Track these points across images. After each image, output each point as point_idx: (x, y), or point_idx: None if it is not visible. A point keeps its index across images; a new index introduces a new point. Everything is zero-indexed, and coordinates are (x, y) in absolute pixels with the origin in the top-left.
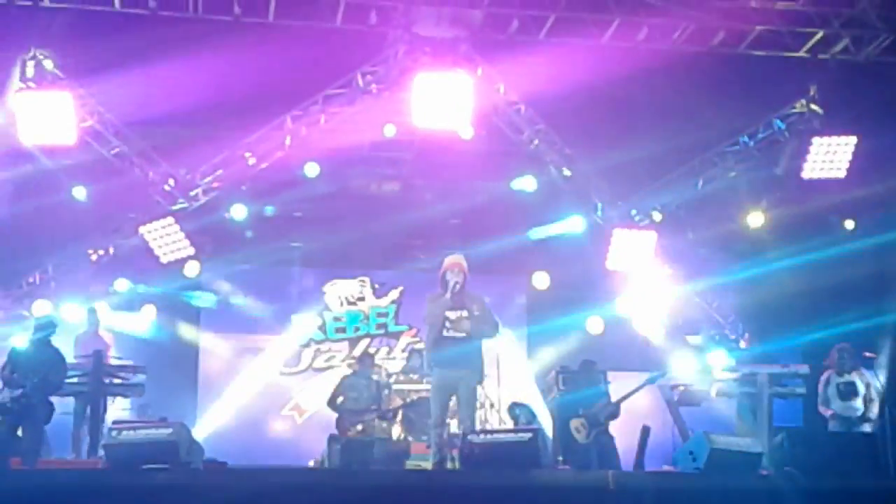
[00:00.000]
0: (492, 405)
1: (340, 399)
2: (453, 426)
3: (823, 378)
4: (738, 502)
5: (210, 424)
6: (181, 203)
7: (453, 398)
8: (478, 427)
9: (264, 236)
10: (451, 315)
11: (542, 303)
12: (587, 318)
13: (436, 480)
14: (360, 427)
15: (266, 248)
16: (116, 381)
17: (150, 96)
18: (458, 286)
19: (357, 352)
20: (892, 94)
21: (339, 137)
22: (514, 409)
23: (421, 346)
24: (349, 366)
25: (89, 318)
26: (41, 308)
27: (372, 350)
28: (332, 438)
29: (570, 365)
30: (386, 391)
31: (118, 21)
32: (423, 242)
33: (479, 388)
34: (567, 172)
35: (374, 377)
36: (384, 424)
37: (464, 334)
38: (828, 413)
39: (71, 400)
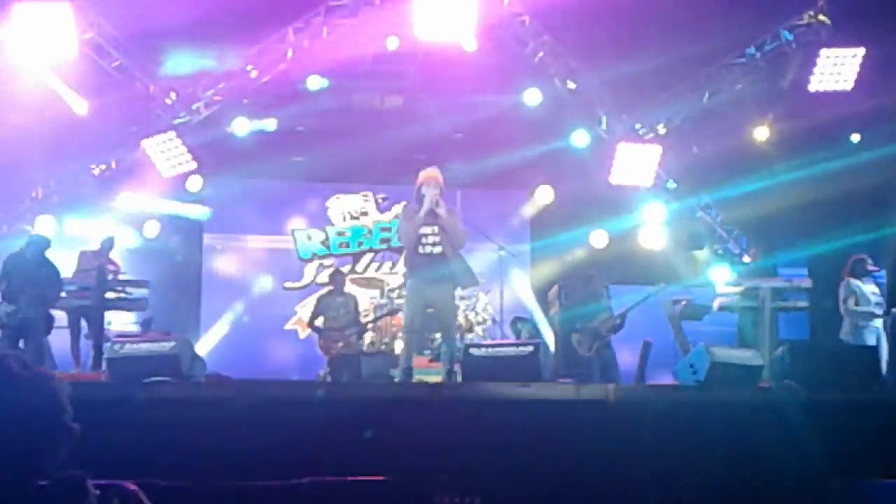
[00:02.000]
0: (494, 320)
1: (320, 319)
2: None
3: (851, 282)
4: (737, 414)
5: (213, 339)
6: (183, 117)
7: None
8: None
9: (266, 151)
10: (427, 230)
11: (546, 217)
12: (591, 232)
13: (436, 392)
14: (342, 344)
15: (268, 163)
16: (119, 295)
17: (150, 8)
18: (435, 204)
19: (360, 267)
20: None
21: (342, 50)
22: (517, 323)
23: None
24: (352, 280)
25: (104, 243)
26: (44, 223)
27: (375, 264)
28: None
29: (572, 279)
30: (389, 305)
31: None
32: (426, 157)
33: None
34: (571, 85)
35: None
36: (386, 340)
37: (440, 249)
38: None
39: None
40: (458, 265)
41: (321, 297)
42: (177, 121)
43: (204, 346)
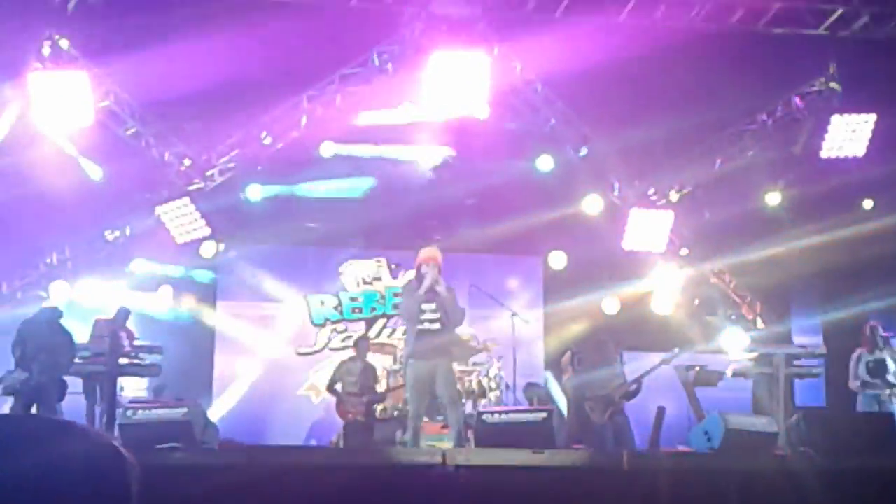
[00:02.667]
0: (507, 386)
1: (339, 385)
2: (468, 407)
3: (855, 355)
4: (753, 482)
5: (226, 405)
6: (197, 183)
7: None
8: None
9: (280, 216)
10: (426, 307)
11: (559, 283)
12: (603, 297)
13: (449, 458)
14: (359, 410)
15: (282, 229)
16: (132, 361)
17: (165, 76)
18: (435, 282)
19: (373, 332)
20: None
21: (356, 117)
22: (530, 389)
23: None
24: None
25: (119, 313)
26: (58, 289)
27: (389, 330)
28: None
29: (585, 345)
30: (402, 372)
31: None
32: (439, 222)
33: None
34: (584, 152)
35: (390, 358)
36: (398, 406)
37: (438, 326)
38: (856, 388)
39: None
40: (454, 339)
41: (342, 362)
42: (191, 187)
43: (217, 412)
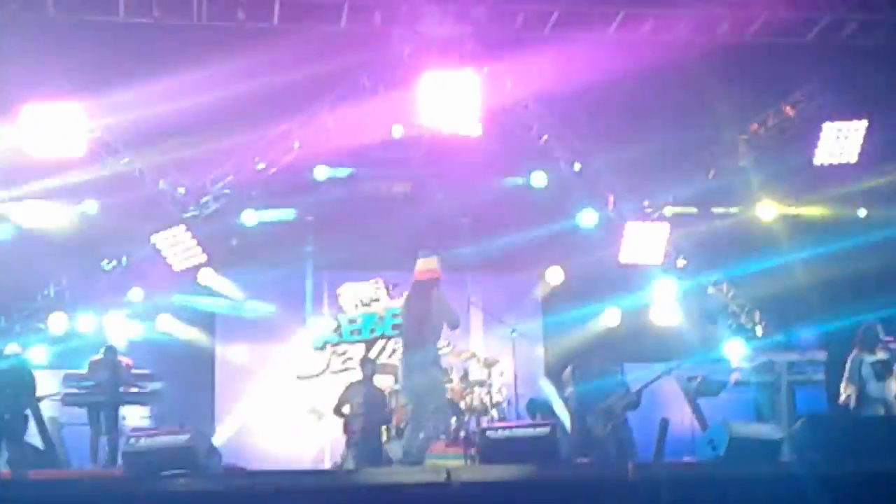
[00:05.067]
0: (509, 402)
1: (346, 407)
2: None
3: (852, 356)
4: (758, 489)
5: (228, 431)
6: (192, 211)
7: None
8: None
9: (276, 241)
10: None
11: (557, 298)
12: (602, 310)
13: (454, 476)
14: (366, 431)
15: (278, 253)
16: (133, 389)
17: (157, 105)
18: None
19: (373, 353)
20: None
21: (348, 139)
22: (532, 405)
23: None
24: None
25: (107, 352)
26: (57, 321)
27: (388, 350)
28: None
29: (584, 358)
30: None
31: (123, 31)
32: (435, 242)
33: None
34: (577, 167)
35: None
36: (402, 425)
37: None
38: (848, 392)
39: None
40: None
41: (349, 385)
42: (186, 214)
43: (219, 438)
